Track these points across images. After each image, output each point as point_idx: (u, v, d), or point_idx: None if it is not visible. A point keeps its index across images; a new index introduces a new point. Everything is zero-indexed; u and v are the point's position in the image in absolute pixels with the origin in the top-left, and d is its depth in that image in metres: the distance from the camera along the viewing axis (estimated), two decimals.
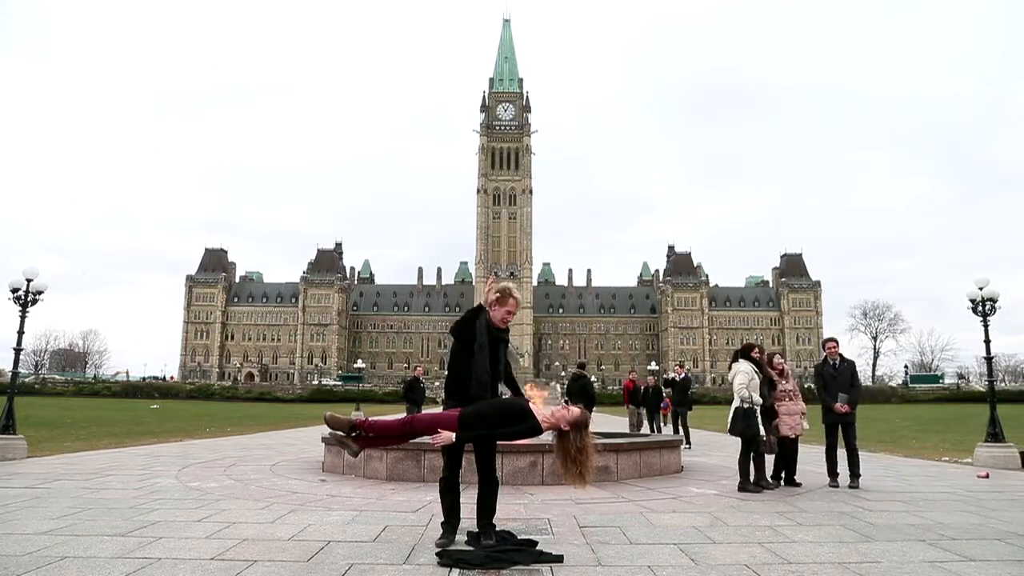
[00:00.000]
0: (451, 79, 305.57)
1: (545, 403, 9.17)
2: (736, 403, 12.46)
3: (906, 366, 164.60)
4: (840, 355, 14.02)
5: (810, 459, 13.68)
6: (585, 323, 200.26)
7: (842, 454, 13.57)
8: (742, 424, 12.34)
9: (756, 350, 13.17)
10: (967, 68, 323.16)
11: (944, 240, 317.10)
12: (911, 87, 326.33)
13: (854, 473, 13.29)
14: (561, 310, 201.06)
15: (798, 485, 13.04)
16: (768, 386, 12.94)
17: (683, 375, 26.84)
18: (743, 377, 12.42)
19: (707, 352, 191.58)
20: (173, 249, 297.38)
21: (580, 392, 22.70)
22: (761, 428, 12.56)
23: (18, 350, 18.91)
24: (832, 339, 14.42)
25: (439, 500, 7.63)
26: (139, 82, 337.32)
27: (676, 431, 25.53)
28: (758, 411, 12.49)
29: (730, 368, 13.11)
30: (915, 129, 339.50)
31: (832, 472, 13.46)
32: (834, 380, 13.66)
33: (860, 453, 13.72)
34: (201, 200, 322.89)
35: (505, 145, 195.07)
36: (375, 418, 7.77)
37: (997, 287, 19.01)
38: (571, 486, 7.15)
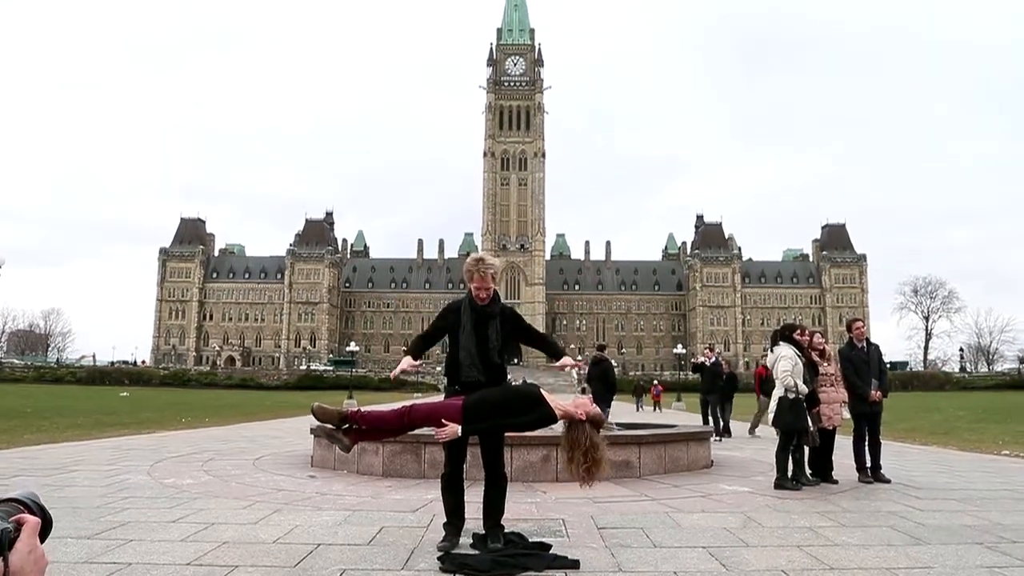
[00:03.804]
0: (454, 29, 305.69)
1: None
2: (779, 392, 12.42)
3: (961, 349, 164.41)
4: (867, 338, 14.10)
5: (839, 452, 13.67)
6: (604, 301, 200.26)
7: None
8: (789, 416, 12.30)
9: (799, 331, 13.15)
10: None
11: (1008, 207, 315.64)
12: (978, 34, 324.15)
13: (877, 464, 13.54)
14: (577, 287, 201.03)
15: (834, 482, 13.04)
16: (810, 370, 12.89)
17: (713, 359, 26.80)
18: (786, 363, 12.37)
19: (739, 334, 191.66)
20: (145, 218, 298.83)
21: (600, 377, 22.65)
22: (809, 420, 12.54)
23: None
24: (859, 319, 14.55)
25: (441, 498, 7.65)
26: (108, 26, 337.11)
27: (706, 421, 25.53)
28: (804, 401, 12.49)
29: (770, 352, 13.09)
30: (980, 81, 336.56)
31: (862, 466, 13.53)
32: (866, 365, 13.70)
33: (911, 446, 13.73)
34: (177, 163, 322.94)
35: (514, 103, 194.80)
36: (369, 408, 7.76)
37: None
38: (577, 483, 7.15)
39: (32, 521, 1.89)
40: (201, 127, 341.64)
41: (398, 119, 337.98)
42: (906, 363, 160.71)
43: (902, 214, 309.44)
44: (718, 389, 26.25)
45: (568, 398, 7.35)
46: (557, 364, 7.84)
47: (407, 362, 7.47)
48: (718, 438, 22.94)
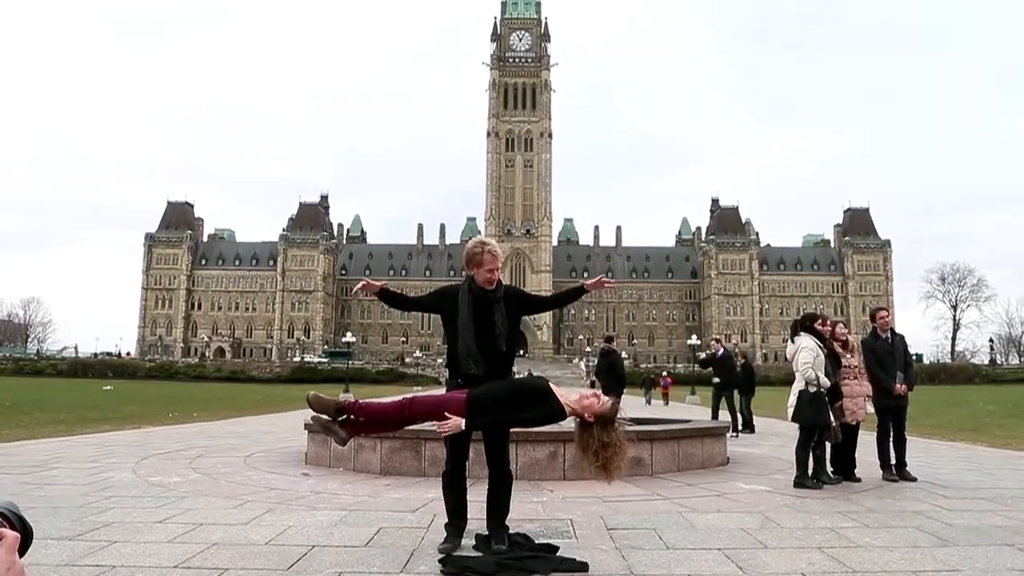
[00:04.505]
0: (456, 2, 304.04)
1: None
2: (800, 385, 12.39)
3: (991, 340, 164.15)
4: (892, 328, 14.10)
5: (863, 449, 13.66)
6: (614, 289, 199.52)
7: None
8: (810, 411, 12.26)
9: (820, 321, 13.12)
10: None
11: None
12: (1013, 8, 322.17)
13: (903, 462, 13.48)
14: (586, 274, 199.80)
15: (857, 480, 13.03)
16: (832, 362, 12.87)
17: (722, 351, 26.84)
18: (807, 354, 12.33)
19: (757, 323, 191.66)
20: (130, 202, 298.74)
21: (608, 370, 22.58)
22: (831, 415, 12.52)
23: None
24: (883, 308, 14.55)
25: (442, 497, 7.65)
26: None
27: (715, 416, 25.54)
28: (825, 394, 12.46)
29: (791, 342, 13.06)
30: (1012, 57, 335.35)
31: (886, 464, 13.51)
32: (891, 357, 13.67)
33: (938, 443, 13.72)
34: (164, 144, 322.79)
35: (520, 80, 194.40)
36: (367, 400, 7.75)
37: None
38: (586, 481, 7.15)
39: (10, 537, 1.86)
40: (190, 106, 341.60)
41: (397, 99, 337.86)
42: (920, 355, 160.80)
43: (929, 198, 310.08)
44: (734, 382, 26.25)
45: (576, 392, 7.30)
46: (590, 283, 7.84)
47: (375, 283, 7.45)
48: (734, 434, 22.92)
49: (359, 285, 7.49)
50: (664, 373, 74.12)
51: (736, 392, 26.10)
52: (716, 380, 26.40)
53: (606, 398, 7.11)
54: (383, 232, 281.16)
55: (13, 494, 10.88)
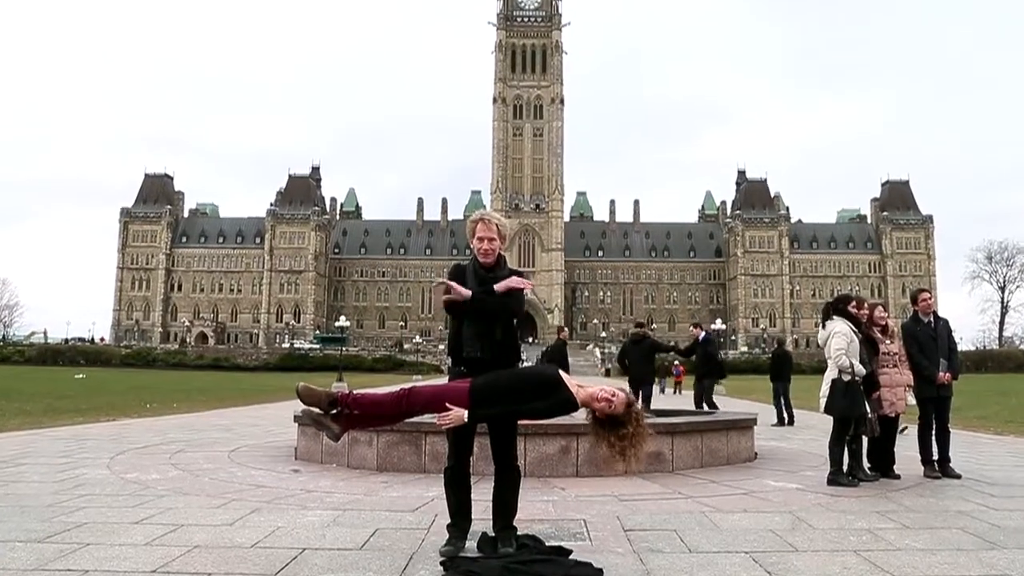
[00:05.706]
0: None
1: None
2: (833, 373, 12.34)
3: None
4: (935, 312, 14.04)
5: (902, 443, 13.61)
6: (631, 269, 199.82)
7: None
8: (844, 401, 12.21)
9: (853, 303, 13.08)
10: None
11: None
12: None
13: (946, 457, 13.38)
14: (600, 252, 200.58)
15: (896, 477, 13.00)
16: (869, 349, 12.83)
17: (703, 335, 27.03)
18: (840, 340, 12.28)
19: (787, 306, 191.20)
20: (104, 174, 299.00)
21: (647, 356, 22.69)
22: (867, 406, 12.49)
23: None
24: (925, 289, 14.50)
25: (443, 496, 7.63)
26: None
27: (699, 405, 25.77)
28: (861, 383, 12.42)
29: (822, 327, 13.02)
30: None
31: (927, 459, 13.44)
32: (934, 343, 13.59)
33: (984, 436, 13.68)
34: (141, 111, 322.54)
35: (529, 42, 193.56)
36: (361, 391, 7.73)
37: None
38: (600, 478, 7.12)
39: None
40: (169, 69, 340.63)
41: (395, 63, 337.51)
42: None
43: (974, 170, 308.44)
44: (715, 370, 26.52)
45: (590, 382, 7.26)
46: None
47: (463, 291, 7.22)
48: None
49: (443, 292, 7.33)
50: (676, 361, 74.21)
51: (714, 380, 26.31)
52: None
53: (621, 396, 7.04)
54: (380, 207, 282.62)
55: None
